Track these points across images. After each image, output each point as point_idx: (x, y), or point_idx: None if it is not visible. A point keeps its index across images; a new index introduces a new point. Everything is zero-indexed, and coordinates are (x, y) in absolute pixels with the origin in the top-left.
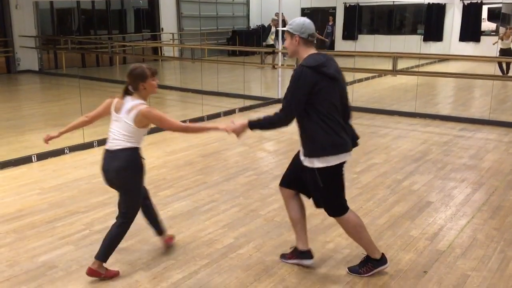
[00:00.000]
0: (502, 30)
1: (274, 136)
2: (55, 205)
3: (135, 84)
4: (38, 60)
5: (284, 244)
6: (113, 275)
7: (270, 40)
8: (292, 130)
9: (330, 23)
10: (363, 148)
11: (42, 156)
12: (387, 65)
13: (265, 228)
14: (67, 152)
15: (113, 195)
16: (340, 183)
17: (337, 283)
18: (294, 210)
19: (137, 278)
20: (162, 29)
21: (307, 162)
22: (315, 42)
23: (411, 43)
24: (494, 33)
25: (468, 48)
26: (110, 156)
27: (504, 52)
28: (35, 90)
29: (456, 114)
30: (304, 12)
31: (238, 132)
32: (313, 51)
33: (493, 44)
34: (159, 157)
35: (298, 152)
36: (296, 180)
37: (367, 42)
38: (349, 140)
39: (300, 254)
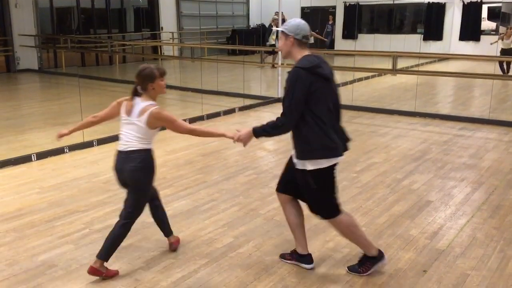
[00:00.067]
0: (502, 29)
1: None
2: (54, 204)
3: (144, 84)
4: (37, 59)
5: (283, 243)
6: (113, 275)
7: (272, 40)
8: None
9: (330, 22)
10: (362, 147)
11: (41, 155)
12: (387, 64)
13: (265, 227)
14: (67, 151)
15: (113, 194)
16: (332, 185)
17: (336, 283)
18: (292, 215)
19: (137, 277)
20: (162, 28)
21: (299, 164)
22: (309, 43)
23: (411, 42)
24: (494, 32)
25: (468, 47)
26: (123, 157)
27: (505, 52)
28: (35, 89)
29: (456, 113)
30: (304, 11)
31: (244, 141)
32: (307, 52)
33: (491, 44)
34: (159, 156)
35: (291, 156)
36: (291, 184)
37: (367, 41)
38: (341, 144)
39: (299, 258)
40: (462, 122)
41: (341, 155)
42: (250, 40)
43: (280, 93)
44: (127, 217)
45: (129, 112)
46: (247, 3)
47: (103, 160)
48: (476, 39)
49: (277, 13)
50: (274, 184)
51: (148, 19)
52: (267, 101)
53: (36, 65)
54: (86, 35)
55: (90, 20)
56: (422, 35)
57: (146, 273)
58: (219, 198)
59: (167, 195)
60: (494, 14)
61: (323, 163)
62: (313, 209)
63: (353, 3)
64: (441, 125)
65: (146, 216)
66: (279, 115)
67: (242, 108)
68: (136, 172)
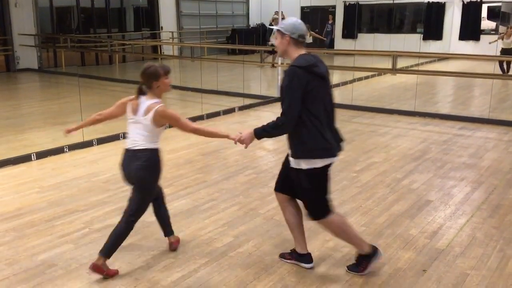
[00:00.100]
0: (502, 29)
1: None
2: (54, 204)
3: (148, 83)
4: (37, 59)
5: (283, 242)
6: (113, 274)
7: (273, 39)
8: None
9: (330, 22)
10: (362, 147)
11: (41, 155)
12: (387, 63)
13: (264, 227)
14: (67, 150)
15: (112, 194)
16: (325, 185)
17: (336, 282)
18: (291, 214)
19: (137, 276)
20: (162, 27)
21: (293, 163)
22: (305, 43)
23: (411, 42)
24: (493, 32)
25: (468, 47)
26: (130, 156)
27: (505, 52)
28: (35, 89)
29: (456, 113)
30: (304, 11)
31: (246, 142)
32: (303, 51)
33: (490, 43)
34: None
35: (288, 155)
36: (288, 184)
37: (367, 40)
38: (335, 144)
39: (299, 257)
40: (462, 121)
41: (335, 155)
42: (250, 40)
43: (279, 92)
44: (131, 215)
45: (135, 111)
46: (247, 2)
47: (102, 160)
48: (476, 38)
49: (277, 13)
50: (273, 183)
51: (148, 18)
52: (267, 100)
53: (36, 64)
54: (86, 34)
55: (90, 20)
56: (422, 35)
57: (146, 272)
58: (219, 197)
59: (167, 194)
60: (494, 14)
61: (318, 163)
62: (306, 208)
63: (353, 3)
64: (441, 124)
65: (146, 216)
66: (279, 115)
67: (242, 108)
68: (142, 170)
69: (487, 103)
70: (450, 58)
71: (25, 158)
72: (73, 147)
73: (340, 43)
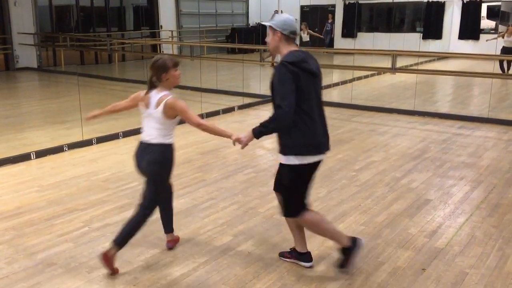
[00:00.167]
0: (501, 28)
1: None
2: (53, 203)
3: (158, 75)
4: (36, 57)
5: (283, 241)
6: (115, 271)
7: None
8: None
9: (329, 21)
10: (362, 146)
11: (40, 154)
12: (386, 63)
13: (264, 226)
14: (66, 149)
15: (112, 193)
16: (305, 184)
17: (335, 281)
18: None
19: (136, 275)
20: (161, 26)
21: (281, 158)
22: (297, 39)
23: (410, 41)
24: (493, 31)
25: (467, 46)
26: (144, 147)
27: (507, 50)
28: (34, 88)
29: (455, 112)
30: (304, 10)
31: (244, 141)
32: (293, 48)
33: (487, 40)
34: None
35: None
36: None
37: (366, 40)
38: (325, 142)
39: (298, 256)
40: (461, 120)
41: (324, 153)
42: (250, 39)
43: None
44: (146, 207)
45: (147, 105)
46: (247, 1)
47: (102, 159)
48: (476, 38)
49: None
50: (273, 182)
51: (148, 17)
52: (266, 99)
53: (35, 63)
54: (85, 33)
55: (89, 19)
56: (422, 34)
57: (145, 271)
58: (218, 196)
59: None
60: (493, 13)
61: (304, 160)
62: (280, 203)
63: (353, 2)
64: (440, 123)
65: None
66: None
67: (242, 107)
68: (153, 164)
69: (486, 102)
70: (449, 57)
71: (25, 157)
72: (73, 146)
73: (340, 42)
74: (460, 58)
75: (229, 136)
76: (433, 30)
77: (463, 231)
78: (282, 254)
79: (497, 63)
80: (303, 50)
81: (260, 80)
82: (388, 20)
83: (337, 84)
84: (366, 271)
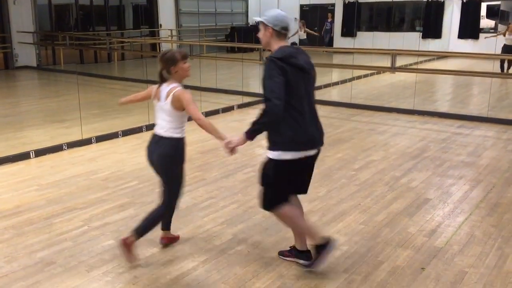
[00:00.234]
0: (501, 27)
1: None
2: (53, 202)
3: (167, 68)
4: (36, 56)
5: (282, 240)
6: (133, 258)
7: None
8: None
9: (329, 20)
10: (361, 145)
11: (40, 153)
12: (386, 62)
13: (263, 225)
14: (65, 148)
15: (111, 192)
16: (289, 179)
17: (335, 280)
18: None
19: (136, 274)
20: (161, 25)
21: (269, 153)
22: (288, 35)
23: (410, 40)
24: (492, 30)
25: (467, 46)
26: (156, 140)
27: (508, 48)
28: (33, 86)
29: (455, 111)
30: (303, 9)
31: (235, 144)
32: (283, 43)
33: (485, 38)
34: None
35: None
36: None
37: (366, 39)
38: (316, 137)
39: (298, 254)
40: (461, 120)
41: (313, 148)
42: (249, 38)
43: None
44: (165, 205)
45: (158, 98)
46: (246, 0)
47: (101, 158)
48: (475, 37)
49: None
50: None
51: (147, 16)
52: None
53: (34, 62)
54: (84, 32)
55: (88, 17)
56: (421, 33)
57: (144, 270)
58: (218, 195)
59: None
60: (493, 12)
61: (292, 155)
62: (259, 195)
63: (352, 1)
64: (440, 123)
65: (145, 213)
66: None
67: (241, 106)
68: (163, 158)
69: (485, 101)
70: (449, 56)
71: (24, 156)
72: (72, 145)
73: (339, 42)
74: (460, 57)
75: (222, 139)
76: (433, 29)
77: (463, 230)
78: (281, 253)
79: (497, 63)
80: (294, 46)
81: (259, 79)
82: (388, 19)
83: (336, 83)
84: (365, 270)
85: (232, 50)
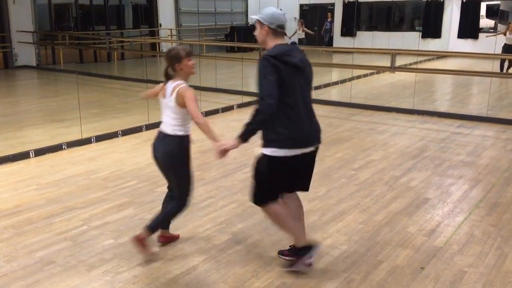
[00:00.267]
0: (500, 27)
1: None
2: (52, 201)
3: (172, 66)
4: (35, 56)
5: (282, 240)
6: (151, 253)
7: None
8: None
9: (329, 20)
10: (361, 145)
11: (39, 152)
12: (386, 61)
13: (263, 225)
14: (65, 148)
15: (111, 191)
16: (282, 176)
17: (334, 279)
18: (292, 210)
19: (135, 273)
20: (161, 24)
21: (263, 149)
22: (285, 33)
23: (410, 40)
24: (492, 30)
25: (466, 45)
26: (161, 138)
27: (508, 47)
28: (33, 86)
29: (454, 111)
30: (303, 8)
31: (226, 147)
32: (280, 41)
33: (486, 37)
34: None
35: None
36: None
37: (366, 38)
38: (311, 135)
39: (298, 252)
40: (460, 119)
41: (308, 146)
42: (249, 37)
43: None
44: (178, 201)
45: (164, 95)
46: (246, 0)
47: (101, 157)
48: (475, 36)
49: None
50: None
51: (147, 15)
52: None
53: (34, 61)
54: (84, 31)
55: (88, 17)
56: (421, 33)
57: (144, 269)
58: (217, 195)
59: (165, 192)
60: (492, 12)
61: (286, 152)
62: (251, 190)
63: (352, 0)
64: (439, 122)
65: (144, 213)
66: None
67: (241, 105)
68: (168, 156)
69: (485, 101)
70: (448, 56)
71: (23, 155)
72: (72, 144)
73: (339, 41)
74: (459, 57)
75: (215, 141)
76: (432, 29)
77: (462, 230)
78: (281, 252)
79: (496, 62)
80: (290, 44)
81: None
82: (388, 19)
83: (336, 83)
84: (365, 270)
85: (231, 49)
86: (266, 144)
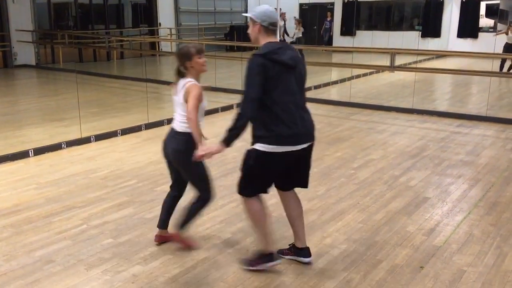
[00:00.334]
0: (500, 26)
1: None
2: (52, 200)
3: (183, 64)
4: (35, 55)
5: (281, 239)
6: (189, 244)
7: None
8: None
9: (328, 19)
10: (360, 144)
11: (39, 151)
12: (385, 61)
13: None
14: (64, 147)
15: (110, 190)
16: (273, 171)
17: (333, 278)
18: (290, 209)
19: (135, 272)
20: (160, 24)
21: (252, 145)
22: (277, 31)
23: (409, 39)
24: (492, 30)
25: (466, 45)
26: (172, 135)
27: (509, 47)
28: (32, 85)
29: (454, 110)
30: (302, 8)
31: (210, 151)
32: (271, 39)
33: (494, 35)
34: (157, 153)
35: None
36: (285, 179)
37: (365, 38)
38: (303, 133)
39: (297, 252)
40: (460, 119)
41: (300, 144)
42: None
43: None
44: (201, 198)
45: (175, 92)
46: None
47: (100, 156)
48: (474, 36)
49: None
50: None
51: (146, 15)
52: None
53: (33, 60)
54: (83, 30)
55: (87, 16)
56: (420, 32)
57: (143, 268)
58: (217, 194)
59: (165, 191)
60: (492, 11)
61: (275, 149)
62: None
63: (352, 0)
64: (439, 122)
65: (144, 212)
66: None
67: (240, 105)
68: (177, 153)
69: (484, 100)
70: (448, 55)
71: (23, 155)
72: (71, 143)
73: (339, 40)
74: (459, 57)
75: (200, 144)
76: (432, 28)
77: (461, 229)
78: (281, 251)
79: (495, 62)
80: (280, 42)
81: None
82: (387, 18)
83: (335, 82)
84: (364, 269)
85: (231, 48)
86: (256, 140)
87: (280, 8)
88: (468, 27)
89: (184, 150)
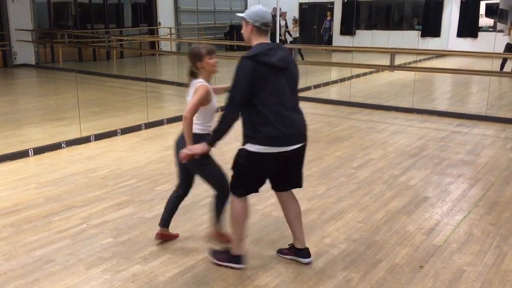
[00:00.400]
0: (500, 26)
1: None
2: (51, 200)
3: (194, 64)
4: (34, 54)
5: (281, 239)
6: (227, 240)
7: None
8: None
9: (328, 18)
10: (360, 144)
11: (38, 150)
12: (385, 60)
13: (262, 223)
14: (64, 146)
15: (110, 190)
16: (263, 172)
17: (333, 278)
18: (287, 210)
19: (134, 272)
20: (160, 23)
21: (242, 145)
22: (269, 31)
23: (409, 38)
24: (491, 29)
25: (466, 44)
26: (182, 135)
27: (511, 47)
28: (32, 84)
29: (453, 109)
30: (302, 7)
31: (194, 150)
32: (264, 40)
33: (503, 35)
34: (156, 152)
35: None
36: (283, 180)
37: (365, 37)
38: (293, 134)
39: (297, 252)
40: (459, 118)
41: (290, 145)
42: None
43: None
44: (223, 191)
45: (188, 94)
46: None
47: (100, 156)
48: (474, 35)
49: (275, 9)
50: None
51: (146, 14)
52: None
53: (33, 60)
54: (83, 30)
55: (87, 15)
56: (420, 32)
57: (143, 268)
58: None
59: (165, 190)
60: (492, 11)
61: (264, 149)
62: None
63: None
64: (439, 121)
65: (144, 211)
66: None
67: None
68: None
69: (484, 100)
70: (448, 55)
71: (22, 154)
72: (71, 143)
73: (338, 40)
74: (459, 56)
75: (188, 144)
76: (432, 28)
77: (461, 229)
78: (280, 251)
79: (495, 61)
80: (272, 43)
81: None
82: (387, 18)
83: (335, 82)
84: (364, 268)
85: (231, 48)
86: (246, 140)
87: (280, 8)
88: (468, 27)
89: None
